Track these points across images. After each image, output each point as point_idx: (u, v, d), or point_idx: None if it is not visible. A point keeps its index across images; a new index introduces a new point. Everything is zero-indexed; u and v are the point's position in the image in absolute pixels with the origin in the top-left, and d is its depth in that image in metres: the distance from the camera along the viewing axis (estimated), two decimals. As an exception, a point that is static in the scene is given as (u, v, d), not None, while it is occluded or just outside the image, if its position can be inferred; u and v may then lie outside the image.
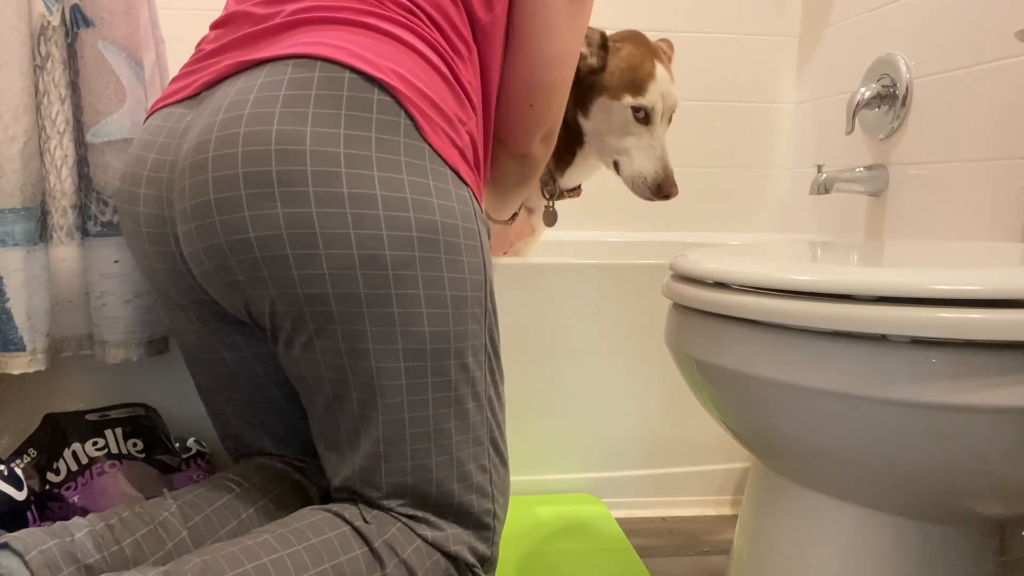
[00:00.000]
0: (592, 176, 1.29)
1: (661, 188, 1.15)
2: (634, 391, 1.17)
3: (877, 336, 0.58)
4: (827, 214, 1.65)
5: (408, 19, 0.72)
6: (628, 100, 1.15)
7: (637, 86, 1.15)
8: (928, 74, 1.32)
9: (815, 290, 0.60)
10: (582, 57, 1.15)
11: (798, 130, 1.79)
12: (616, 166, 1.19)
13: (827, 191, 1.38)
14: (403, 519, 0.70)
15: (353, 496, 0.72)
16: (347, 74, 0.66)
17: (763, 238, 1.78)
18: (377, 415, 0.68)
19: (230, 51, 0.73)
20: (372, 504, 0.71)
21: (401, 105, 0.67)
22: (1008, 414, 0.57)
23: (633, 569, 0.96)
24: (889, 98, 1.39)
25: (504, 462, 0.76)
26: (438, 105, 0.70)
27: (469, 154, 0.75)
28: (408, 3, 0.73)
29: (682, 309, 0.75)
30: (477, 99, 0.81)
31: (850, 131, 1.35)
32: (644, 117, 1.15)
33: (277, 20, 0.71)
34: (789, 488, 0.73)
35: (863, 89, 1.38)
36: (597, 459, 1.18)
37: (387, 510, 0.70)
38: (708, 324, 0.70)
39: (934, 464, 0.61)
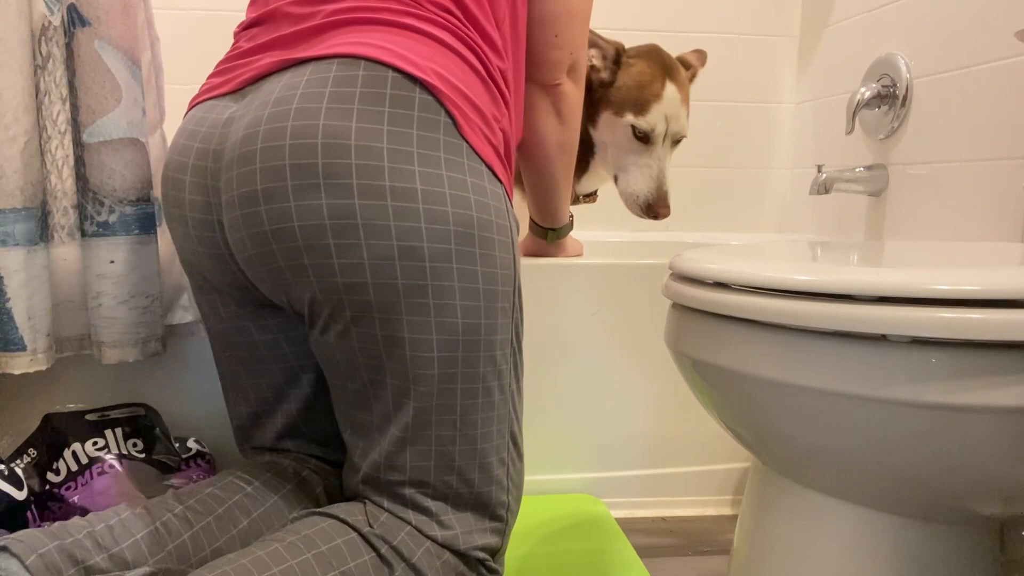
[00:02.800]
0: (607, 182, 1.31)
1: (651, 208, 1.18)
2: (634, 391, 1.17)
3: (877, 336, 0.58)
4: (827, 214, 1.65)
5: (445, 18, 0.74)
6: (629, 118, 1.16)
7: (641, 105, 1.16)
8: (928, 74, 1.32)
9: (815, 290, 0.60)
10: (595, 70, 1.18)
11: (798, 130, 1.79)
12: (615, 180, 1.22)
13: (827, 191, 1.38)
14: (414, 518, 0.70)
15: (370, 486, 0.72)
16: (390, 73, 0.68)
17: (763, 238, 1.78)
18: (408, 402, 0.70)
19: (271, 49, 0.75)
20: (391, 493, 0.71)
21: (441, 104, 0.70)
22: (1008, 414, 0.57)
23: (633, 569, 0.96)
24: (889, 98, 1.39)
25: (520, 456, 0.78)
26: (475, 104, 0.73)
27: (502, 151, 0.78)
28: (444, 1, 0.75)
29: (682, 309, 0.75)
30: (511, 90, 0.84)
31: (850, 131, 1.35)
32: (644, 136, 1.16)
33: (317, 20, 0.73)
34: (789, 488, 0.73)
35: (863, 89, 1.38)
36: (597, 459, 1.18)
37: (404, 502, 0.71)
38: (708, 324, 0.70)
39: (934, 464, 0.61)
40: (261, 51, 0.76)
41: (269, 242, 0.68)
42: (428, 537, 0.70)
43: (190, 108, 0.80)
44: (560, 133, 1.00)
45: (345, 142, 0.66)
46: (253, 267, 0.71)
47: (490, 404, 0.73)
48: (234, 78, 0.76)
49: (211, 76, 0.80)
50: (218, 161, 0.72)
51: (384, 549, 0.68)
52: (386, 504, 0.71)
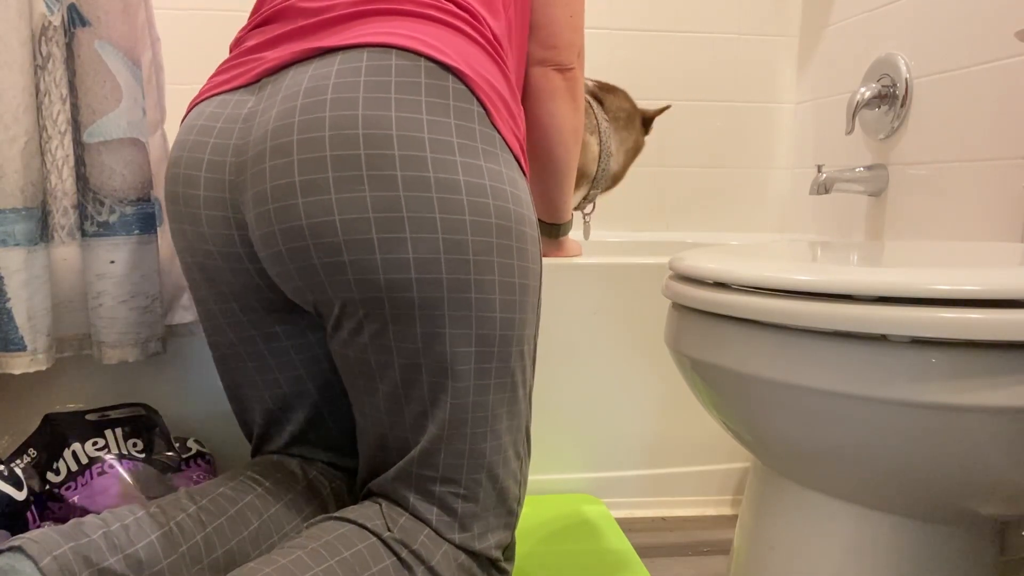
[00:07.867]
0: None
1: None
2: (634, 391, 1.17)
3: (877, 336, 0.58)
4: (827, 214, 1.65)
5: (464, 15, 0.74)
6: None
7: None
8: (928, 74, 1.32)
9: (815, 290, 0.60)
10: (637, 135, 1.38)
11: (798, 130, 1.79)
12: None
13: (827, 191, 1.38)
14: (436, 517, 0.70)
15: (400, 481, 0.71)
16: (423, 62, 0.67)
17: (763, 238, 1.78)
18: (446, 398, 0.69)
19: (286, 42, 0.73)
20: (420, 489, 0.71)
21: (474, 93, 0.69)
22: (1008, 414, 0.57)
23: (633, 569, 0.96)
24: (889, 98, 1.39)
25: (530, 452, 0.78)
26: (502, 95, 0.72)
27: (522, 144, 0.77)
28: (462, 0, 0.75)
29: (682, 309, 0.75)
30: (518, 86, 0.85)
31: (850, 131, 1.35)
32: None
33: (337, 12, 0.72)
34: (789, 488, 0.73)
35: (863, 89, 1.38)
36: (597, 459, 1.18)
37: (432, 499, 0.70)
38: (708, 324, 0.70)
39: (934, 464, 0.61)
40: (273, 45, 0.73)
41: (304, 237, 0.66)
42: (446, 539, 0.70)
43: (193, 106, 0.77)
44: (576, 119, 1.00)
45: (387, 132, 0.64)
46: (280, 264, 0.69)
47: (515, 399, 0.72)
48: (246, 72, 0.74)
49: (215, 75, 0.78)
50: (240, 155, 0.69)
51: (404, 553, 0.67)
52: (412, 500, 0.70)
